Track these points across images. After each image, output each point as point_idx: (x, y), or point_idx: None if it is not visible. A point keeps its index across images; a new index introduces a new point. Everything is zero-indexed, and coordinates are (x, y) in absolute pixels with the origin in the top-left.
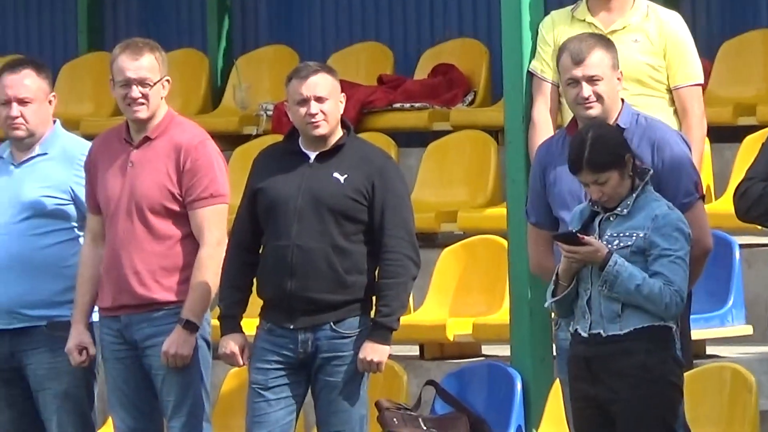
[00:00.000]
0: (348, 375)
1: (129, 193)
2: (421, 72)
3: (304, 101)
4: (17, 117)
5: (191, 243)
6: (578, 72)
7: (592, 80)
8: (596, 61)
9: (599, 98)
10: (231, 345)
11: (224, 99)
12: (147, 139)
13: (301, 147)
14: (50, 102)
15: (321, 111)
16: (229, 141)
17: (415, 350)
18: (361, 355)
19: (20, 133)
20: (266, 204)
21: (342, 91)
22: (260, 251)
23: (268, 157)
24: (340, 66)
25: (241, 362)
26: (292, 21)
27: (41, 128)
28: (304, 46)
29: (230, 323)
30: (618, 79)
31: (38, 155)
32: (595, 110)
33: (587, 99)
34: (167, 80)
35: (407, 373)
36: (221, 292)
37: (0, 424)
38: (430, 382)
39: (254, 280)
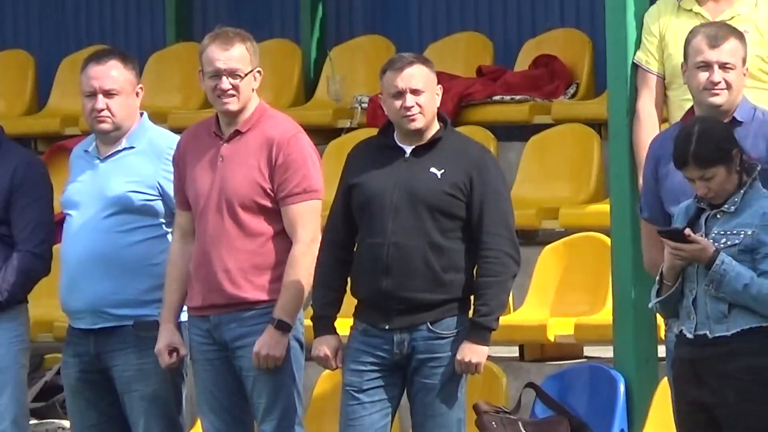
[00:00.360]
0: (445, 377)
1: (219, 188)
2: (522, 63)
3: (400, 94)
4: (103, 109)
5: (283, 240)
6: (713, 56)
7: (724, 67)
8: (731, 49)
9: (728, 87)
10: (324, 348)
11: (317, 91)
12: (238, 132)
13: (397, 141)
14: (137, 94)
15: (417, 104)
16: (322, 134)
17: (514, 351)
18: (458, 356)
19: (106, 126)
20: (361, 200)
21: (439, 83)
22: (355, 249)
23: (363, 152)
24: (437, 57)
25: (335, 365)
26: (388, 10)
27: (128, 121)
28: (401, 36)
29: (324, 324)
30: (744, 74)
31: (125, 149)
32: (721, 98)
33: (716, 84)
34: (258, 71)
35: (506, 374)
36: (314, 291)
37: (85, 428)
38: (530, 385)
39: (348, 279)
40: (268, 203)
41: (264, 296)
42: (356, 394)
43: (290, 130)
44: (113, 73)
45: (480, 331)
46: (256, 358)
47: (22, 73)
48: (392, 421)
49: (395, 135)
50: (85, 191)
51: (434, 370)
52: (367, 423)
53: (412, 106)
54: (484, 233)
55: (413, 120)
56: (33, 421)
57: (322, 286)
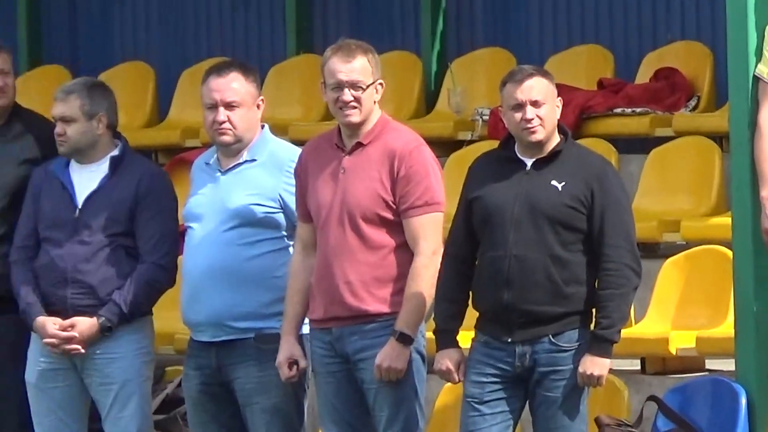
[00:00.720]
0: (567, 390)
1: (341, 200)
2: (643, 76)
3: (520, 106)
4: (224, 122)
5: (405, 253)
6: None
7: None
8: None
9: None
10: (446, 361)
11: (438, 103)
12: (359, 144)
13: (518, 154)
14: (258, 106)
15: (537, 116)
16: (443, 147)
17: (636, 364)
18: (581, 369)
19: (227, 138)
20: (482, 214)
21: (560, 95)
22: (476, 262)
23: (483, 165)
24: (558, 69)
25: (457, 378)
26: (509, 22)
27: (249, 133)
28: (521, 48)
29: (446, 338)
30: None
31: (246, 161)
32: None
33: None
34: (381, 84)
35: (628, 387)
36: (436, 305)
37: None
38: (652, 398)
39: (470, 292)
40: (389, 215)
41: (386, 309)
42: (477, 406)
43: (412, 141)
44: (234, 85)
45: (602, 343)
46: (378, 370)
47: (143, 85)
48: None
49: (516, 148)
50: (207, 204)
51: (556, 383)
52: None
53: (533, 118)
54: (605, 245)
55: (534, 132)
56: None
57: (445, 299)
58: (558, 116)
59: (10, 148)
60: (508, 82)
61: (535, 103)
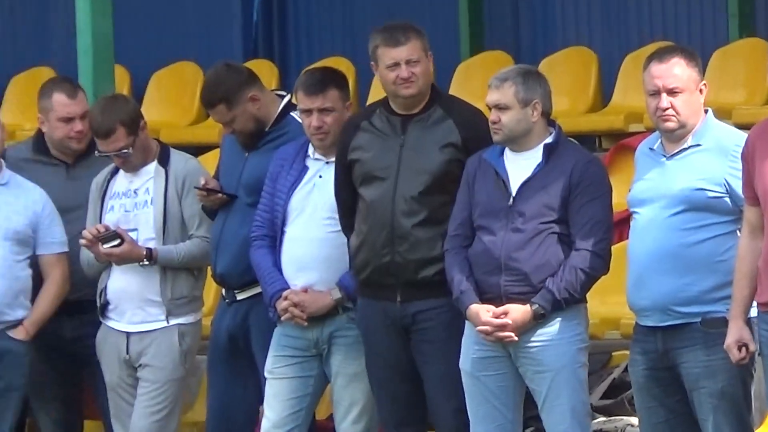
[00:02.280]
0: None
1: None
2: None
3: None
4: (667, 108)
5: None
6: None
7: None
8: None
9: None
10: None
11: None
12: None
13: None
14: (701, 91)
15: None
16: None
17: None
18: None
19: (671, 125)
20: None
21: None
22: None
23: None
24: None
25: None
26: None
27: (692, 119)
28: None
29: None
30: None
31: (691, 147)
32: None
33: None
34: None
35: None
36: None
37: (653, 425)
38: None
39: None
40: None
41: None
42: None
43: None
44: (676, 71)
45: None
46: None
47: (586, 70)
48: None
49: None
50: (652, 189)
51: None
52: None
53: None
54: None
55: None
56: (601, 419)
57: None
58: None
59: (432, 132)
60: None
61: None
